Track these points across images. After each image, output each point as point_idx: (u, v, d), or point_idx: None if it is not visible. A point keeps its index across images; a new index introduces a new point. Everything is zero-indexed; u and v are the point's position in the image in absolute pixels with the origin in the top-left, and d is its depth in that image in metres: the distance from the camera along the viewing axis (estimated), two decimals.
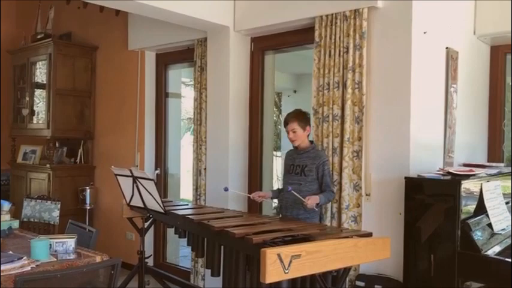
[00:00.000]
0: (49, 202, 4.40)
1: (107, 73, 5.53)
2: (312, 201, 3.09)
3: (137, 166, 5.07)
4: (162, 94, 5.21)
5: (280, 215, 3.43)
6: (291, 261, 2.08)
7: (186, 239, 3.21)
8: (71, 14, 5.80)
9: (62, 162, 5.55)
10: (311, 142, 3.38)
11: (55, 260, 2.72)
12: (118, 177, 3.42)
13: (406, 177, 3.08)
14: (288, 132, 3.30)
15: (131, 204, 3.48)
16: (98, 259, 2.77)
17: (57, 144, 5.61)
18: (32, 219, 4.40)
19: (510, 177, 3.76)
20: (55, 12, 5.62)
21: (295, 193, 3.10)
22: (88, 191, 5.40)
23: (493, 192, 3.24)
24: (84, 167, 5.63)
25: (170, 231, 4.50)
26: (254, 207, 4.25)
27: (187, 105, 6.84)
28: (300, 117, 3.29)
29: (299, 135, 3.28)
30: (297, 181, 3.27)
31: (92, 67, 5.64)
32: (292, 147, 3.43)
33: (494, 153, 4.28)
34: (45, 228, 4.37)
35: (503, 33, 3.98)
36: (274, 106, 5.41)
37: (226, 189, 3.60)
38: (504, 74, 4.31)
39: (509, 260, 2.75)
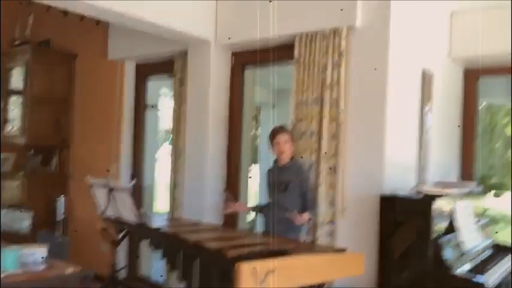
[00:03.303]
0: (20, 211, 4.30)
1: (85, 82, 5.47)
2: (304, 218, 3.13)
3: (113, 177, 5.01)
4: (141, 105, 5.18)
5: (263, 230, 3.43)
6: (266, 276, 2.08)
7: (160, 251, 3.18)
8: (50, 21, 5.74)
9: (36, 170, 5.44)
10: (291, 158, 3.40)
11: (23, 271, 2.65)
12: (93, 187, 3.38)
13: (380, 195, 3.13)
14: (278, 144, 3.29)
15: (106, 215, 3.43)
16: (70, 270, 2.71)
17: (31, 152, 5.50)
18: (1, 228, 4.29)
19: (481, 196, 3.86)
20: (34, 19, 5.56)
21: (290, 215, 3.12)
22: (62, 200, 5.29)
23: (464, 211, 3.31)
24: (59, 176, 5.52)
25: (144, 244, 4.44)
26: (230, 221, 4.24)
27: (166, 117, 6.82)
28: (289, 130, 3.37)
29: (289, 148, 3.31)
30: (282, 198, 3.27)
31: (70, 75, 5.57)
32: (272, 164, 3.44)
33: (466, 172, 4.38)
34: (15, 238, 4.25)
35: (477, 56, 4.11)
36: (254, 120, 5.43)
37: (225, 191, 3.58)
38: (476, 96, 4.43)
39: (478, 280, 2.80)
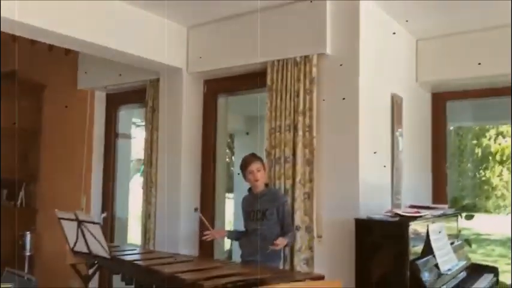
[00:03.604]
0: None
1: (54, 113, 5.36)
2: (281, 242, 3.07)
3: (83, 209, 4.86)
4: (111, 135, 5.09)
5: (241, 260, 3.36)
6: None
7: (133, 286, 3.07)
8: (18, 50, 5.64)
9: (2, 205, 5.23)
10: (266, 185, 3.38)
11: None
12: (62, 221, 3.26)
13: (355, 219, 3.13)
14: (252, 172, 3.26)
15: (75, 249, 3.31)
16: None
17: None
18: None
19: (454, 218, 3.90)
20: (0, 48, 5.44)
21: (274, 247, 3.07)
22: (28, 236, 5.08)
23: (438, 233, 3.33)
24: (25, 210, 5.33)
25: (116, 278, 4.29)
26: (206, 251, 4.15)
27: (138, 146, 6.72)
28: (260, 158, 3.34)
29: (262, 175, 3.29)
30: (260, 226, 3.23)
31: (38, 106, 5.46)
32: (247, 193, 3.41)
33: (438, 194, 4.45)
34: None
35: (443, 80, 4.24)
36: (227, 147, 5.41)
37: (196, 210, 3.54)
38: (445, 119, 4.55)
39: None
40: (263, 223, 3.22)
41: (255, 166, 3.26)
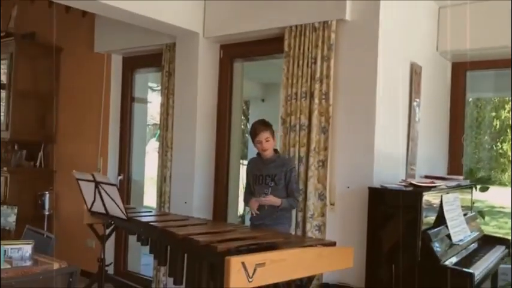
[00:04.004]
0: (5, 207, 4.23)
1: (71, 75, 5.40)
2: (269, 198, 3.14)
3: (100, 171, 4.95)
4: (128, 98, 5.11)
5: (250, 223, 3.41)
6: (255, 270, 2.07)
7: (148, 246, 3.15)
8: (35, 13, 5.64)
9: (21, 165, 5.36)
10: (275, 151, 3.39)
11: (9, 266, 2.60)
12: (79, 181, 3.33)
13: (369, 188, 3.13)
14: (260, 142, 3.25)
15: (92, 210, 3.39)
16: (56, 266, 2.67)
17: (16, 147, 5.42)
18: None
19: (468, 190, 3.89)
20: (18, 11, 5.45)
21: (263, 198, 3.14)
22: (47, 196, 5.21)
23: (452, 204, 3.33)
24: (44, 171, 5.45)
25: (132, 239, 4.40)
26: (219, 215, 4.22)
27: (154, 111, 6.76)
28: (270, 125, 3.31)
29: (271, 144, 3.29)
30: (268, 191, 3.25)
31: (55, 69, 5.49)
32: (255, 155, 3.42)
33: (453, 166, 4.42)
34: (0, 234, 4.19)
35: (464, 50, 4.13)
36: (242, 114, 5.41)
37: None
38: (464, 90, 4.46)
39: (467, 270, 2.83)
40: (272, 188, 3.25)
41: (263, 136, 3.24)
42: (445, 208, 3.22)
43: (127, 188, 5.14)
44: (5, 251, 2.68)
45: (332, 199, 3.42)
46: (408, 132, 3.76)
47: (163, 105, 4.45)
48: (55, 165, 5.50)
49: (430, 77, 4.08)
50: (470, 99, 4.87)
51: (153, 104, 6.36)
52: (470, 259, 3.19)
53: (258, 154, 3.38)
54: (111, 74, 5.05)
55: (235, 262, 2.01)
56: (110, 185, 3.12)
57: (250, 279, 2.05)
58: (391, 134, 3.53)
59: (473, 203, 4.04)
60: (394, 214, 3.03)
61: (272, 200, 3.18)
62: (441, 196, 3.24)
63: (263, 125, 3.30)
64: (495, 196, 4.52)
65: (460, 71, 4.44)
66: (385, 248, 3.05)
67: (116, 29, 4.73)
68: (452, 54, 4.30)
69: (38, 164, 5.44)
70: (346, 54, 3.42)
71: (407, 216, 2.95)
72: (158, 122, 4.66)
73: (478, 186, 4.15)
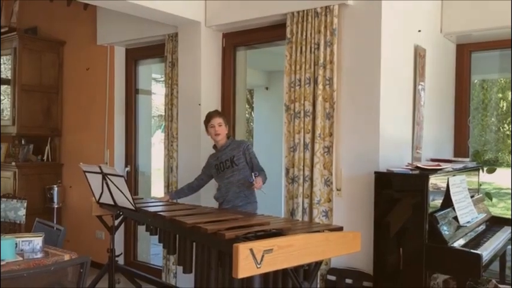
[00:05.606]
0: (15, 201, 4.27)
1: (75, 69, 5.41)
2: (259, 180, 3.21)
3: (107, 163, 4.98)
4: (132, 90, 5.12)
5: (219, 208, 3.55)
6: (263, 256, 2.09)
7: (157, 236, 3.18)
8: (36, 7, 5.64)
9: (28, 159, 5.40)
10: (228, 138, 3.54)
11: (21, 259, 2.64)
12: (87, 174, 3.35)
13: (375, 172, 3.14)
14: (213, 126, 3.45)
15: (101, 201, 3.42)
16: (66, 257, 2.71)
17: (23, 142, 5.46)
18: None
19: (475, 172, 3.88)
20: (20, 6, 5.45)
21: (253, 179, 3.22)
22: (56, 189, 5.27)
23: (458, 186, 3.33)
24: (51, 164, 5.50)
25: (141, 229, 4.44)
26: None
27: (158, 102, 6.77)
28: (223, 114, 3.58)
29: (223, 130, 3.47)
30: (231, 173, 3.44)
31: (59, 62, 5.50)
32: (213, 150, 3.59)
33: (460, 148, 4.41)
34: (10, 228, 4.24)
35: (469, 31, 4.09)
36: (246, 103, 5.40)
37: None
38: (469, 71, 4.43)
39: (475, 251, 2.84)
40: (233, 169, 3.42)
41: (216, 121, 3.45)
42: (451, 190, 3.22)
43: (134, 179, 5.17)
44: (16, 243, 2.72)
45: (338, 185, 3.43)
46: (413, 116, 3.75)
47: (168, 96, 4.45)
48: (62, 158, 5.54)
49: (435, 60, 4.05)
50: (476, 81, 4.83)
51: (157, 96, 6.37)
52: (478, 241, 3.20)
53: (214, 146, 3.57)
54: (115, 66, 5.05)
55: (243, 249, 2.03)
56: (117, 176, 3.14)
57: (258, 265, 2.07)
58: (396, 118, 3.52)
59: (480, 185, 4.04)
60: (400, 198, 3.04)
61: (260, 180, 3.24)
62: (448, 179, 3.24)
63: (216, 112, 3.56)
64: (502, 178, 4.50)
65: (465, 52, 4.41)
66: (392, 231, 3.06)
67: (118, 20, 4.73)
68: (456, 35, 4.26)
69: (45, 157, 5.48)
70: (349, 39, 3.40)
71: (414, 200, 2.96)
72: (163, 113, 4.67)
73: (485, 168, 4.13)
